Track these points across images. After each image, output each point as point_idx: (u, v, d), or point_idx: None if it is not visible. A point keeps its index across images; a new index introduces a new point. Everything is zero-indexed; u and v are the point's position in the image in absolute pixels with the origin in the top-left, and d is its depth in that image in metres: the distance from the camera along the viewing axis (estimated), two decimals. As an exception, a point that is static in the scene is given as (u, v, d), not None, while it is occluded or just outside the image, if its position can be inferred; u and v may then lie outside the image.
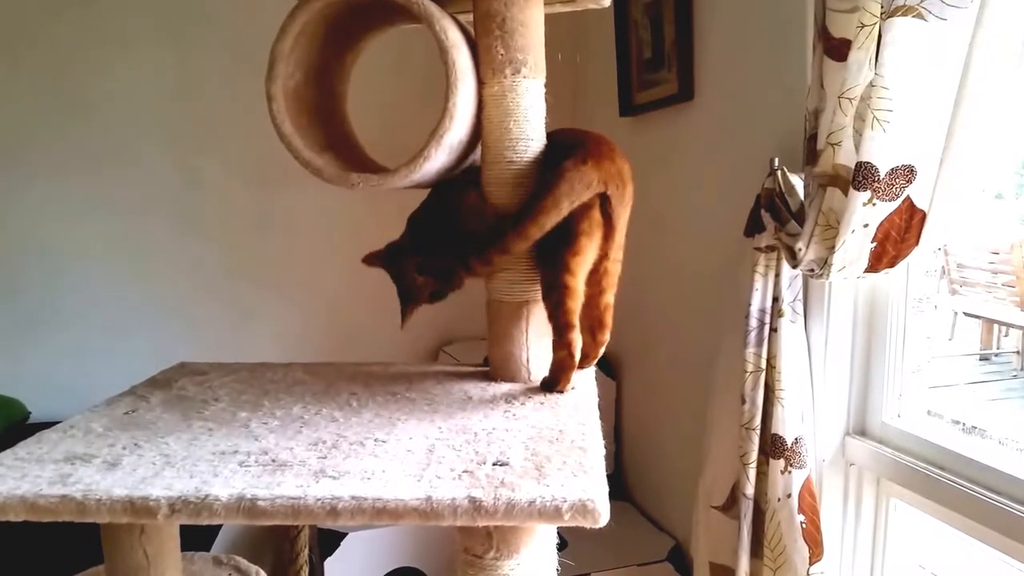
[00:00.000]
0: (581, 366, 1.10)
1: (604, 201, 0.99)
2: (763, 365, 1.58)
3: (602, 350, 1.09)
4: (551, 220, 0.96)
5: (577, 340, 1.00)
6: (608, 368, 2.61)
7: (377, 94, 1.88)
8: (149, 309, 2.55)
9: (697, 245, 2.11)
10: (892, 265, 1.33)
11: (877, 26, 1.19)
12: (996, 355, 5.39)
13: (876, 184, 1.22)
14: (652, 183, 2.23)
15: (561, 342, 1.00)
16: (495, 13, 0.97)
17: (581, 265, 0.99)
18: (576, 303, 0.99)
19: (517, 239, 0.96)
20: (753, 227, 1.59)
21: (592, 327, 1.07)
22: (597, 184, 0.97)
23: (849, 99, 1.25)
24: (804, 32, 1.55)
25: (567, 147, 1.00)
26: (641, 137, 2.38)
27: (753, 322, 1.58)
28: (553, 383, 1.02)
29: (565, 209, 0.96)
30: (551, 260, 0.99)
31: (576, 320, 1.00)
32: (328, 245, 2.67)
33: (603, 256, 1.02)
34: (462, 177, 1.09)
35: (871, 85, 1.20)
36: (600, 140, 1.03)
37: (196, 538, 1.48)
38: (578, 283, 0.99)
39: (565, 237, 0.98)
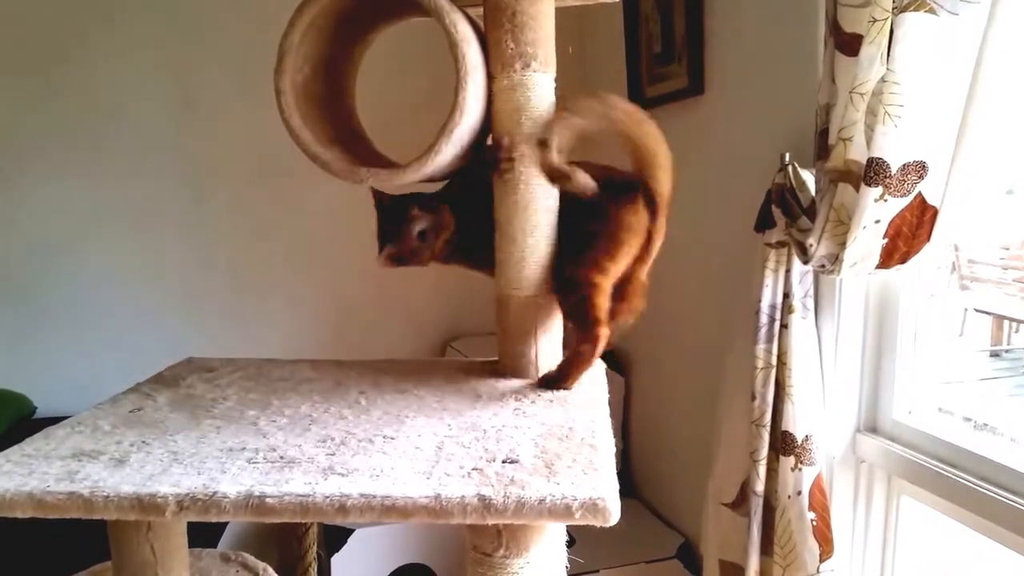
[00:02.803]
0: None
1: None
2: (773, 361, 1.58)
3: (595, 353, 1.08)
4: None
5: (605, 336, 0.98)
6: (617, 364, 2.60)
7: (386, 88, 1.87)
8: (155, 305, 2.55)
9: (707, 240, 2.10)
10: (903, 261, 1.33)
11: (889, 21, 1.18)
12: (1007, 351, 5.36)
13: (888, 180, 1.21)
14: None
15: (587, 336, 0.97)
16: (505, 7, 0.97)
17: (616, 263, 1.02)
18: (605, 300, 0.99)
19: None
20: (764, 222, 1.59)
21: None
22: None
23: (860, 94, 1.24)
24: (815, 27, 1.54)
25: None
26: (650, 132, 2.36)
27: (763, 318, 1.57)
28: (562, 377, 0.99)
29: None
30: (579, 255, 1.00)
31: (604, 315, 0.98)
32: (336, 242, 2.66)
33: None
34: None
35: (883, 80, 1.19)
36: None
37: (203, 534, 1.48)
38: (608, 283, 1.00)
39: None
